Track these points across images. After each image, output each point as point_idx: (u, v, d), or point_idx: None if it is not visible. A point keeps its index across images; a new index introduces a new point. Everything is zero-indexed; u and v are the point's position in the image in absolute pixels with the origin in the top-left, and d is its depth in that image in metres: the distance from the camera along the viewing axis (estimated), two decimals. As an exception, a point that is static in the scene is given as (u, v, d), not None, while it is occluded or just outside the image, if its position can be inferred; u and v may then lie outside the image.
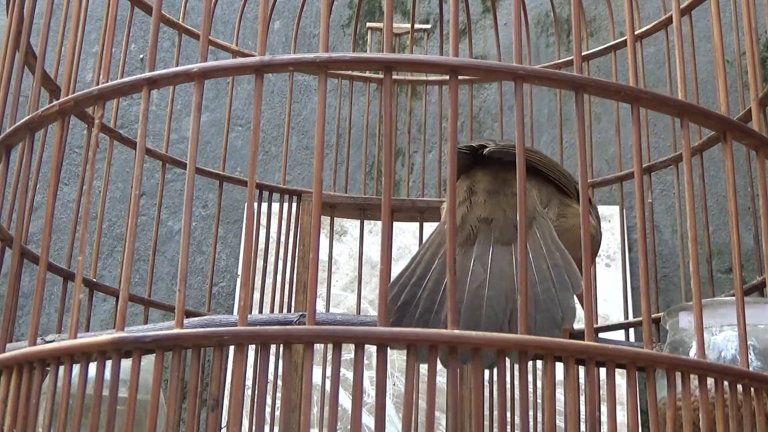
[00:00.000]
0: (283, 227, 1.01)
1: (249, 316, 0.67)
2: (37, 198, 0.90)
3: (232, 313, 1.28)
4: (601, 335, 0.93)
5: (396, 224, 1.15)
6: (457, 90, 0.48)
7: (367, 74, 1.13)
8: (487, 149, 0.67)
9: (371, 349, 0.45)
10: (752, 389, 0.49)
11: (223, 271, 1.42)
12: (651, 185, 0.96)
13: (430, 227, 0.84)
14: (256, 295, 1.00)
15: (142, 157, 0.49)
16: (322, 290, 1.11)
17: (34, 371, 0.49)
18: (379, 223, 1.02)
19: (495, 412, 0.90)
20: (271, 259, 1.05)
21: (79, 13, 0.69)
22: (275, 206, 1.01)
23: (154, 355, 0.45)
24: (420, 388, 0.94)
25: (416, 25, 1.18)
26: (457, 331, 0.43)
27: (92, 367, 0.46)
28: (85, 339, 0.46)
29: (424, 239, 0.69)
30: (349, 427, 1.18)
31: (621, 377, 0.47)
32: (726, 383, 0.48)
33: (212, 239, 0.98)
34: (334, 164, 1.14)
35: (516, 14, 0.48)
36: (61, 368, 0.48)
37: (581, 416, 0.88)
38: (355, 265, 1.29)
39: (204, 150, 1.48)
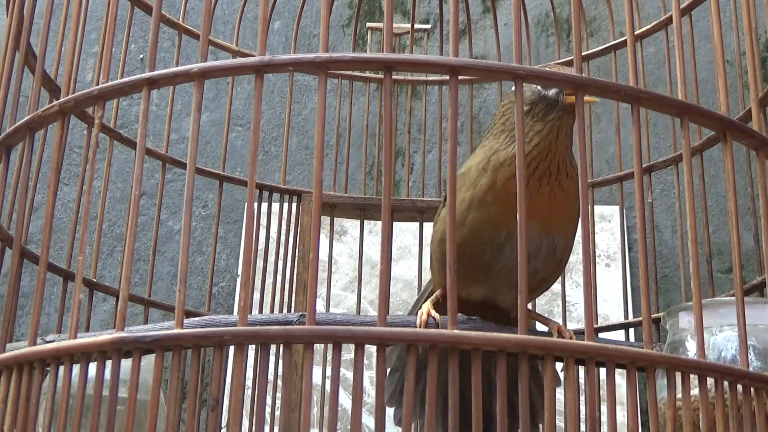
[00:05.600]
0: (283, 227, 1.01)
1: (249, 316, 0.67)
2: (37, 198, 0.90)
3: (232, 313, 1.27)
4: (601, 335, 0.93)
5: (396, 224, 1.15)
6: (457, 90, 0.48)
7: (367, 74, 1.13)
8: None
9: (371, 349, 0.45)
10: (752, 389, 0.49)
11: (223, 271, 1.42)
12: (651, 185, 0.96)
13: (430, 227, 0.84)
14: (256, 295, 1.00)
15: (142, 157, 0.49)
16: (322, 290, 1.11)
17: (34, 371, 0.49)
18: (379, 223, 1.02)
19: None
20: (271, 259, 1.04)
21: (79, 13, 0.69)
22: (275, 206, 1.01)
23: (154, 355, 0.45)
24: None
25: (416, 25, 1.17)
26: (456, 331, 0.43)
27: (92, 367, 0.46)
28: (85, 339, 0.46)
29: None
30: (349, 427, 1.18)
31: (621, 377, 0.47)
32: (726, 383, 0.48)
33: (212, 239, 0.98)
34: (334, 164, 1.14)
35: (516, 14, 0.48)
36: (61, 368, 0.48)
37: (581, 416, 0.88)
38: (355, 265, 1.29)
39: (204, 150, 1.48)
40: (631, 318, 0.96)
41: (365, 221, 1.04)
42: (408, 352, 0.44)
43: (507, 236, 0.67)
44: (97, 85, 0.53)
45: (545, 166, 0.67)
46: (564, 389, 0.50)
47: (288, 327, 0.44)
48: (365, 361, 0.46)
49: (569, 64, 1.06)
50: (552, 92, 0.67)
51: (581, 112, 0.48)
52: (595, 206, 0.97)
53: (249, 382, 1.17)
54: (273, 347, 0.89)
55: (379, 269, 0.45)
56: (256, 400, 0.57)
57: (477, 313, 0.71)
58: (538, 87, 0.67)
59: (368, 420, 1.22)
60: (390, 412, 0.80)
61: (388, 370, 0.78)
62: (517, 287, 0.68)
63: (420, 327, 0.66)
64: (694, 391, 0.49)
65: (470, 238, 0.67)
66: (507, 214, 0.66)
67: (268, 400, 1.04)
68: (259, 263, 1.24)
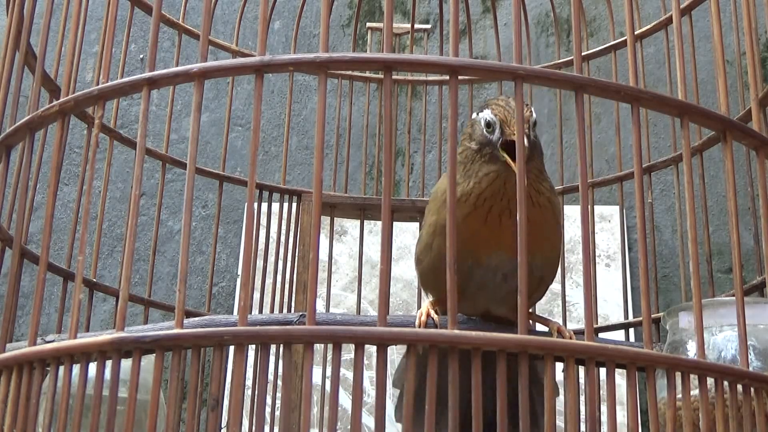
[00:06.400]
0: (283, 227, 1.01)
1: (249, 316, 0.67)
2: (37, 198, 0.90)
3: (232, 313, 1.28)
4: (601, 335, 0.93)
5: (396, 224, 1.15)
6: (457, 90, 0.48)
7: (367, 74, 1.13)
8: None
9: (371, 349, 0.45)
10: (752, 389, 0.49)
11: (223, 271, 1.42)
12: (651, 185, 0.96)
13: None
14: (256, 295, 1.00)
15: (142, 157, 0.49)
16: (322, 290, 1.11)
17: (34, 371, 0.49)
18: (379, 223, 1.02)
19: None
20: (271, 259, 1.04)
21: (79, 13, 0.69)
22: (275, 206, 1.01)
23: (154, 355, 0.45)
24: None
25: (416, 25, 1.17)
26: (457, 331, 0.43)
27: (92, 367, 0.46)
28: (85, 339, 0.46)
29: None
30: (349, 427, 1.18)
31: (621, 377, 0.47)
32: (726, 383, 0.48)
33: (212, 239, 0.98)
34: (334, 164, 1.14)
35: (516, 14, 0.48)
36: (61, 368, 0.48)
37: (581, 416, 0.88)
38: (355, 265, 1.29)
39: (204, 150, 1.48)
40: (631, 318, 0.96)
41: (365, 221, 1.04)
42: (408, 353, 0.44)
43: (474, 263, 0.66)
44: (97, 85, 0.53)
45: (503, 205, 0.65)
46: (564, 389, 0.50)
47: (288, 327, 0.44)
48: (365, 361, 0.46)
49: (569, 63, 1.06)
50: (494, 137, 0.65)
51: (581, 112, 0.48)
52: (595, 206, 0.97)
53: (249, 382, 1.17)
54: (273, 347, 0.89)
55: (379, 269, 0.45)
56: (256, 400, 0.57)
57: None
58: (484, 130, 0.65)
59: (368, 420, 1.22)
60: (390, 410, 0.80)
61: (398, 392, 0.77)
62: (504, 302, 0.69)
63: (419, 327, 0.66)
64: (694, 391, 0.49)
65: (439, 262, 0.67)
66: (470, 244, 0.65)
67: (268, 400, 1.04)
68: (259, 263, 1.24)
